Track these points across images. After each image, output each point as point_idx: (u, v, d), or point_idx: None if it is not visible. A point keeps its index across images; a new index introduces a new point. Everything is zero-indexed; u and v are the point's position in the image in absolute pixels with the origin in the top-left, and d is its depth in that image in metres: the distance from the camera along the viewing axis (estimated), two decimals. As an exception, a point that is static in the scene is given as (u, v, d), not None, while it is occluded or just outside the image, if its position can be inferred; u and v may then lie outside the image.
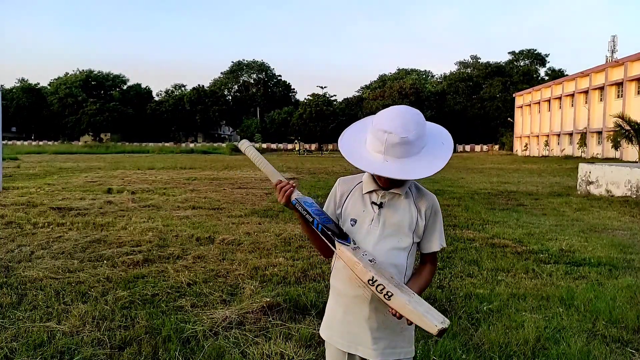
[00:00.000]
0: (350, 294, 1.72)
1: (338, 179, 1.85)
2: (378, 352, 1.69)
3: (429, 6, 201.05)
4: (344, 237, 1.66)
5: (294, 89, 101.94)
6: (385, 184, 1.71)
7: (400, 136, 1.55)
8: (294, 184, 1.70)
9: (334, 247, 1.63)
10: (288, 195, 1.68)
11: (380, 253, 1.68)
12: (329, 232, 1.65)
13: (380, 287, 1.51)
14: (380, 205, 1.71)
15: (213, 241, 6.29)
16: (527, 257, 5.68)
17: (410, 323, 1.52)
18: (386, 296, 1.50)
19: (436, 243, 1.76)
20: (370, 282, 1.53)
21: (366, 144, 1.64)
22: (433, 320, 1.44)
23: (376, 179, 1.73)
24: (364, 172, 1.73)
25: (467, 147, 74.86)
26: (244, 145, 1.83)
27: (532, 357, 3.10)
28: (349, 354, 1.74)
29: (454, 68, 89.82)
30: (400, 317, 1.51)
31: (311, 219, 1.67)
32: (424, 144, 1.60)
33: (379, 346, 1.69)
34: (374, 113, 1.78)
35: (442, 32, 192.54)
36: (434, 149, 1.61)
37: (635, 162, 23.58)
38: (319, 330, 1.85)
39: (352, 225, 1.73)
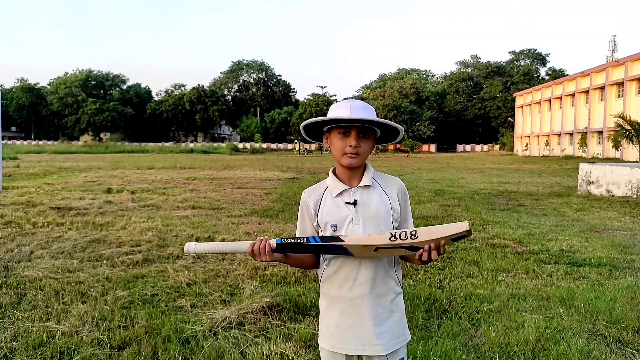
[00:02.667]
0: (347, 297, 1.72)
1: (303, 192, 1.84)
2: (384, 346, 1.72)
3: (429, 6, 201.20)
4: (337, 239, 1.67)
5: (294, 88, 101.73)
6: (348, 176, 1.75)
7: (363, 102, 1.73)
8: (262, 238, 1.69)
9: (342, 242, 1.63)
10: (268, 244, 1.65)
11: None
12: (327, 238, 1.67)
13: (403, 234, 1.59)
14: (355, 203, 1.72)
15: (213, 241, 6.28)
16: (528, 257, 5.67)
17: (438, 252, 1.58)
18: (412, 236, 1.58)
19: (410, 224, 1.81)
20: (392, 238, 1.60)
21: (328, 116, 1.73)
22: (460, 225, 1.56)
23: (339, 174, 1.78)
24: (325, 179, 1.82)
25: (468, 147, 74.77)
26: (190, 248, 1.72)
27: (532, 357, 3.09)
28: (347, 355, 1.74)
29: (455, 68, 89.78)
30: (431, 249, 1.56)
31: (304, 239, 1.67)
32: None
33: (384, 340, 1.72)
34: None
35: (442, 32, 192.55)
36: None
37: (636, 162, 23.58)
38: (318, 330, 1.83)
39: (334, 232, 1.73)
